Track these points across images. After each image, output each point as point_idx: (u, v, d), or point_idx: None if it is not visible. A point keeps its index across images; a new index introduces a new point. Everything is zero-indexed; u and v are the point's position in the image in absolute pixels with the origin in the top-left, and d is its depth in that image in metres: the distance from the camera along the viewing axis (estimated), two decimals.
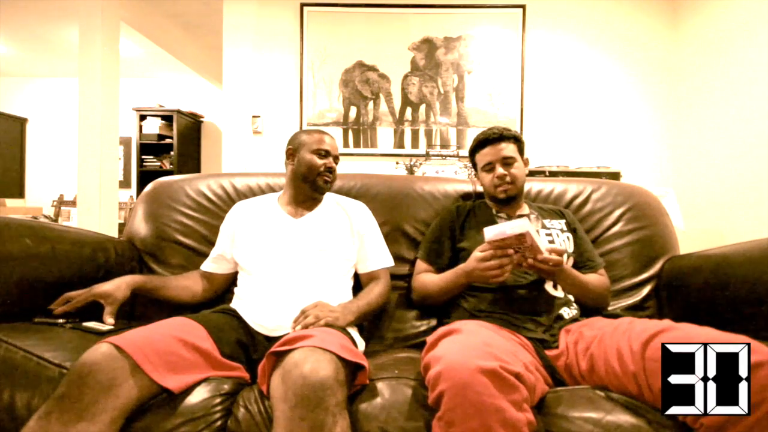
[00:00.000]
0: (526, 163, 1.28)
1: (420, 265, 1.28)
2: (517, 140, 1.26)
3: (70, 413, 0.72)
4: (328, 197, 1.30)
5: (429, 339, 0.90)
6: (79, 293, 1.08)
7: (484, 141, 1.25)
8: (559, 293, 1.11)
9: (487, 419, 0.68)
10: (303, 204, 1.26)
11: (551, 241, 1.18)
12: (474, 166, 1.32)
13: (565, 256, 1.12)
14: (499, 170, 1.22)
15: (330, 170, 1.25)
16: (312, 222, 1.22)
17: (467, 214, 1.28)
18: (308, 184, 1.24)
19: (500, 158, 1.22)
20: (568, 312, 1.07)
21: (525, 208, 1.30)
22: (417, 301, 1.28)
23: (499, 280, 1.02)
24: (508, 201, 1.24)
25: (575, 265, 1.20)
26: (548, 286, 1.11)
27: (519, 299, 1.08)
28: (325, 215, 1.24)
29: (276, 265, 1.15)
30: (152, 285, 1.18)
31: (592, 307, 1.16)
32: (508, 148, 1.23)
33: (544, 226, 1.21)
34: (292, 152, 1.27)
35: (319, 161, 1.23)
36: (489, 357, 0.72)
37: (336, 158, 1.28)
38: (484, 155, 1.25)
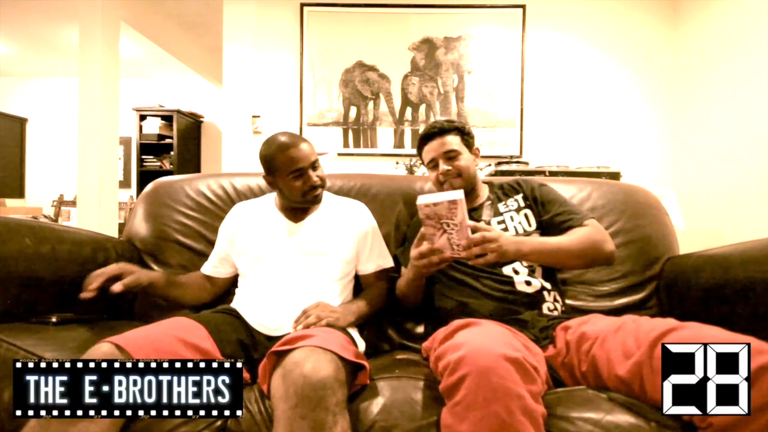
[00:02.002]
0: (476, 153, 1.22)
1: (402, 270, 1.26)
2: (462, 131, 1.19)
3: None
4: (327, 198, 1.29)
5: (441, 333, 0.89)
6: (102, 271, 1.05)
7: (425, 137, 1.20)
8: (529, 289, 1.05)
9: (510, 404, 0.68)
10: (301, 208, 1.25)
11: (505, 229, 1.12)
12: (424, 164, 1.26)
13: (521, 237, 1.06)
14: (442, 166, 1.16)
15: (313, 186, 1.15)
16: (311, 225, 1.21)
17: None
18: (298, 204, 1.20)
19: (442, 153, 1.16)
20: (548, 306, 1.05)
21: (485, 190, 1.25)
22: (402, 302, 1.24)
23: (431, 270, 0.98)
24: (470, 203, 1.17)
25: (556, 228, 1.10)
26: (520, 286, 1.05)
27: (494, 305, 1.04)
28: (324, 218, 1.23)
29: (276, 269, 1.15)
30: (160, 283, 1.16)
31: (588, 264, 1.08)
32: (451, 142, 1.16)
33: (498, 213, 1.16)
34: (269, 181, 1.19)
35: (298, 183, 1.13)
36: (511, 347, 0.73)
37: (314, 165, 1.15)
38: (427, 152, 1.19)
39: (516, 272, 1.08)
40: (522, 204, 1.17)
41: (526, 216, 1.15)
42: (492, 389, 0.68)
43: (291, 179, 1.13)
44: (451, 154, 1.16)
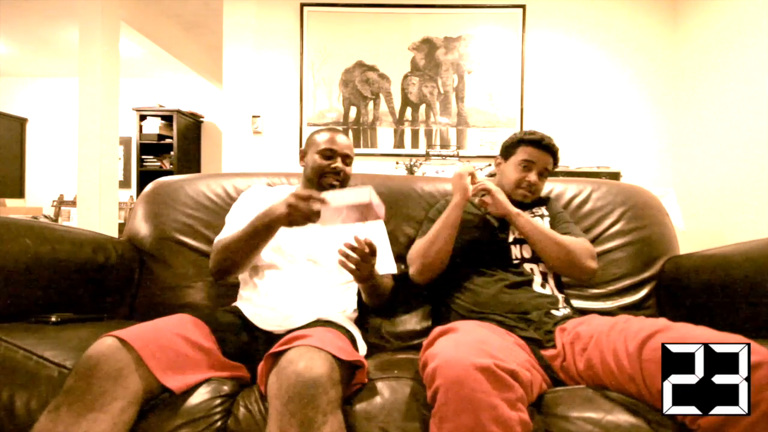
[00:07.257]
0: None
1: (417, 243, 1.24)
2: (556, 161, 1.27)
3: (80, 404, 0.73)
4: None
5: (427, 338, 0.90)
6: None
7: (538, 142, 1.23)
8: (546, 291, 1.12)
9: (480, 416, 0.68)
10: None
11: None
12: (505, 151, 1.29)
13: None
14: (533, 176, 1.22)
15: (337, 171, 1.20)
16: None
17: None
18: (315, 186, 1.21)
19: (541, 167, 1.23)
20: (558, 311, 1.07)
21: None
22: (418, 271, 1.19)
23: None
24: (519, 205, 1.22)
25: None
26: (536, 286, 1.12)
27: (508, 300, 1.08)
28: None
29: (282, 266, 1.14)
30: None
31: (566, 267, 1.12)
32: (550, 164, 1.25)
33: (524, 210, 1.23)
34: (303, 154, 1.27)
35: (324, 162, 1.20)
36: (484, 354, 0.73)
37: (346, 158, 1.23)
38: (530, 153, 1.23)
39: (532, 272, 1.14)
40: (546, 213, 1.27)
41: (545, 222, 1.23)
42: (462, 401, 0.69)
43: (319, 156, 1.21)
44: (544, 173, 1.26)
